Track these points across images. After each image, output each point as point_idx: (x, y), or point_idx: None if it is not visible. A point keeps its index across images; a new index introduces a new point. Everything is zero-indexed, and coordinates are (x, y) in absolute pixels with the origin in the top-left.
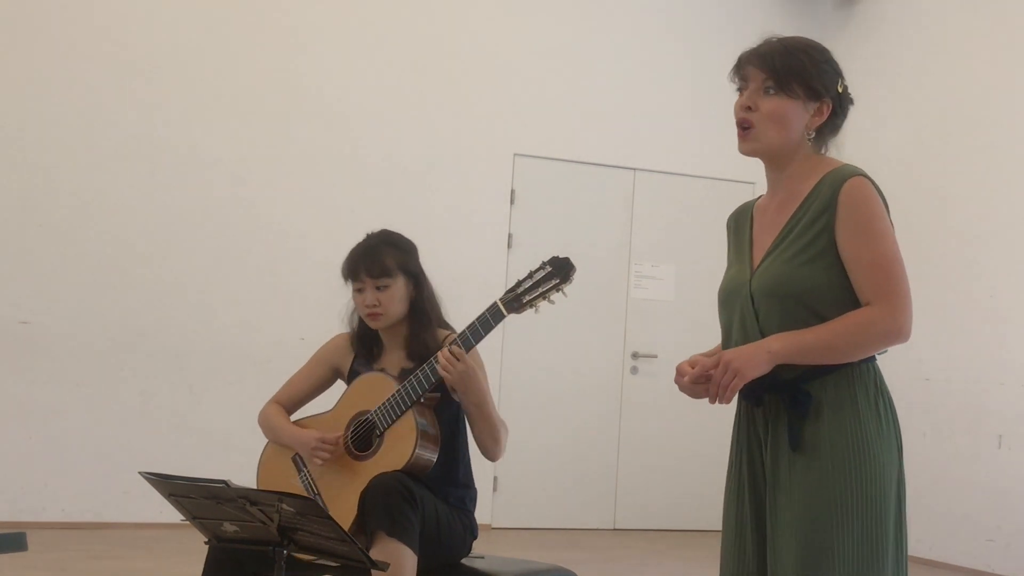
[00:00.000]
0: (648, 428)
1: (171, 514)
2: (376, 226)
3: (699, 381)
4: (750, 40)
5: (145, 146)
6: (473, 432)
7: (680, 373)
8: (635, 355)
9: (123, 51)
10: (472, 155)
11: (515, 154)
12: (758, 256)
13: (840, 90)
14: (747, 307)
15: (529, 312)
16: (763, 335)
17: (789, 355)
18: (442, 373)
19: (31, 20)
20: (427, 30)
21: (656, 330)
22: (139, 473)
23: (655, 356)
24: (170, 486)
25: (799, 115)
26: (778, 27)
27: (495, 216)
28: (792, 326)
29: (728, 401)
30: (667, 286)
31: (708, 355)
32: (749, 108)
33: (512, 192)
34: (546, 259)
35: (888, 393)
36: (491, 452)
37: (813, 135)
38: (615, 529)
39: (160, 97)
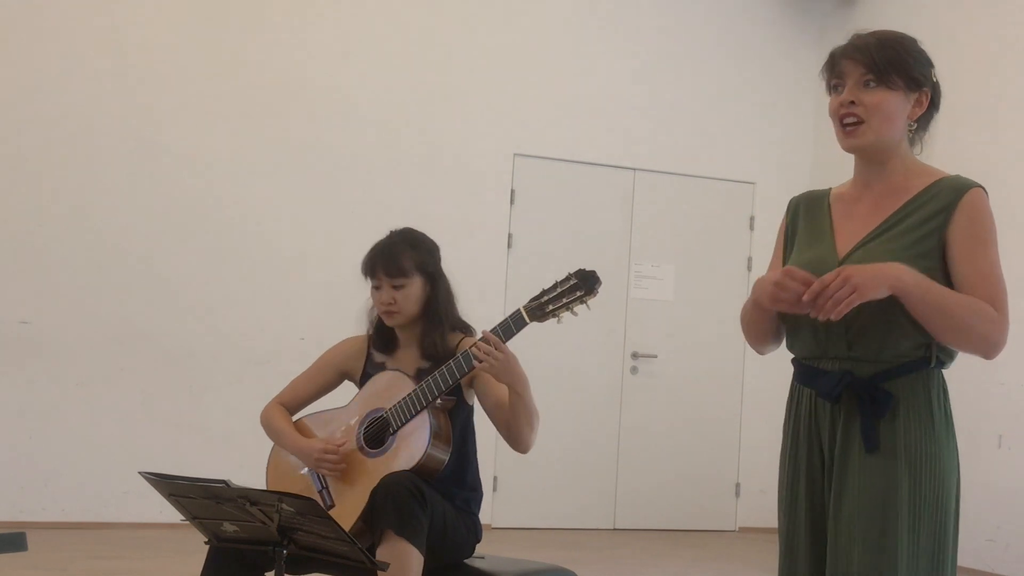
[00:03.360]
0: (648, 428)
1: (171, 514)
2: (377, 226)
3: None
4: (749, 39)
5: (145, 146)
6: (510, 424)
7: (791, 276)
8: (635, 355)
9: (123, 51)
10: (472, 155)
11: (515, 154)
12: (846, 241)
13: (935, 80)
14: None
15: (551, 322)
16: (845, 321)
17: (913, 292)
18: (482, 367)
19: (30, 20)
20: (427, 30)
21: (656, 330)
22: (139, 473)
23: (655, 356)
24: (170, 486)
25: (902, 107)
26: (778, 27)
27: (495, 216)
28: (882, 315)
29: (839, 317)
30: (667, 286)
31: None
32: (852, 103)
33: (512, 192)
34: (572, 270)
35: (950, 403)
36: (527, 440)
37: (915, 126)
38: (615, 529)
39: (160, 97)
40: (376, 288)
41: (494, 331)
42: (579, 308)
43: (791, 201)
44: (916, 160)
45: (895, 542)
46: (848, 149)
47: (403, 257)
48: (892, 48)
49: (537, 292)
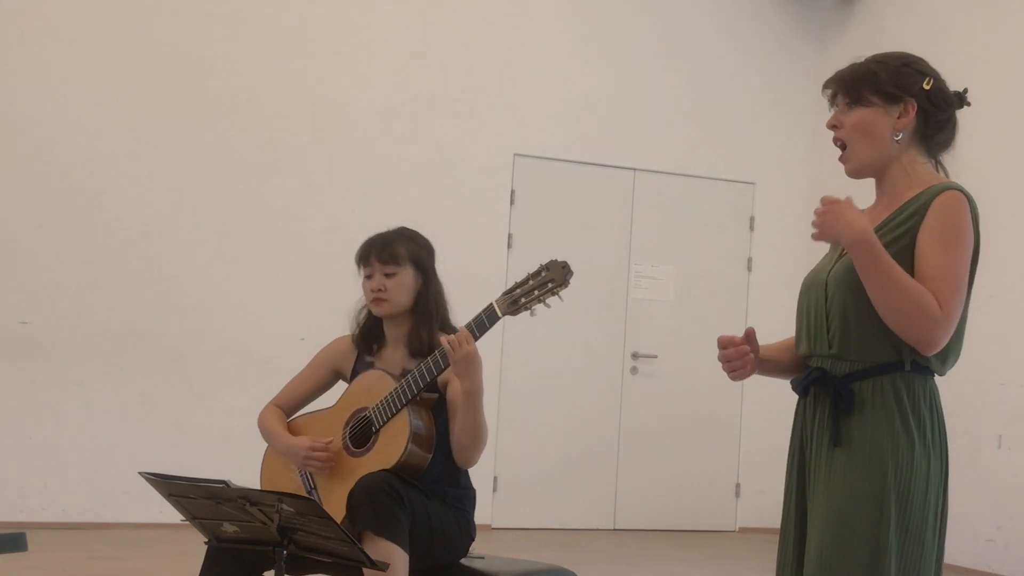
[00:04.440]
0: (648, 428)
1: (171, 514)
2: (378, 226)
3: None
4: (749, 40)
5: (145, 146)
6: (454, 429)
7: (722, 347)
8: (635, 355)
9: (122, 51)
10: (472, 155)
11: (515, 154)
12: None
13: (926, 87)
14: (820, 294)
15: (524, 315)
16: (828, 321)
17: (868, 250)
18: (446, 348)
19: (31, 19)
20: (427, 30)
21: (656, 330)
22: (139, 473)
23: (655, 356)
24: (170, 486)
25: (882, 121)
26: (778, 27)
27: (495, 216)
28: (854, 316)
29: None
30: (667, 286)
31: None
32: (835, 127)
33: (512, 192)
34: (544, 262)
35: (941, 413)
36: (467, 452)
37: (900, 136)
38: (615, 529)
39: (160, 97)
40: (368, 277)
41: (468, 326)
42: (552, 300)
43: None
44: (921, 169)
45: (850, 538)
46: (849, 176)
47: (397, 245)
48: (866, 68)
49: (510, 285)
